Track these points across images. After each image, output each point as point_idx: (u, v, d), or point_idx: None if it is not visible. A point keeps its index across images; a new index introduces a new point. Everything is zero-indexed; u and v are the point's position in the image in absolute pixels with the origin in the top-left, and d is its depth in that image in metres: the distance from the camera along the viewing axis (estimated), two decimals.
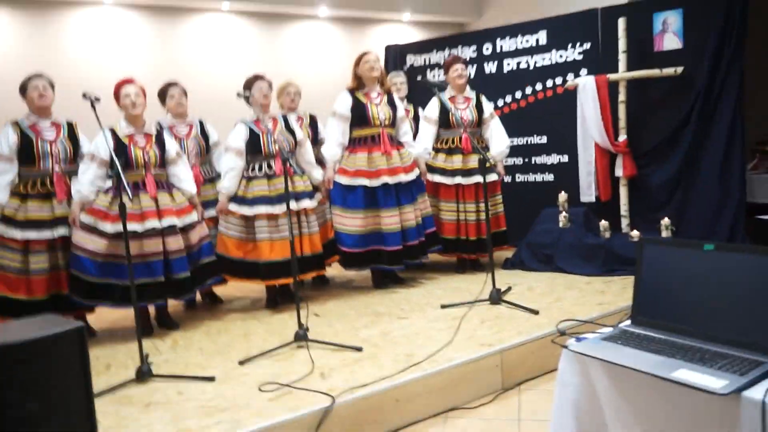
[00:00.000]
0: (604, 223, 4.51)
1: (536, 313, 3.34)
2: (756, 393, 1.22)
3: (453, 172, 4.42)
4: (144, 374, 2.73)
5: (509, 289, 3.92)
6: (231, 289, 4.41)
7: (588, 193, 4.83)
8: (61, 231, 3.41)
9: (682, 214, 4.53)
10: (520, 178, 5.32)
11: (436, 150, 4.49)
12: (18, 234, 3.33)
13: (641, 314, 1.61)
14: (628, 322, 1.63)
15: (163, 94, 4.04)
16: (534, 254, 4.59)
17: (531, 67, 5.19)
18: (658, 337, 1.51)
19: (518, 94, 5.27)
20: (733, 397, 1.24)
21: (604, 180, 4.74)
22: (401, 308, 3.72)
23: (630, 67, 4.54)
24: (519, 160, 5.29)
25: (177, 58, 5.31)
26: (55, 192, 3.43)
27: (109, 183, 3.48)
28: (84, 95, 2.91)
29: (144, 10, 5.17)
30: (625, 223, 4.69)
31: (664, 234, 4.30)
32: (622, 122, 4.62)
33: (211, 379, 2.69)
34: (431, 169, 4.46)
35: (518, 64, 5.26)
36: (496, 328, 3.16)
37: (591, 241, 4.41)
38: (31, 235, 3.35)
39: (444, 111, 4.38)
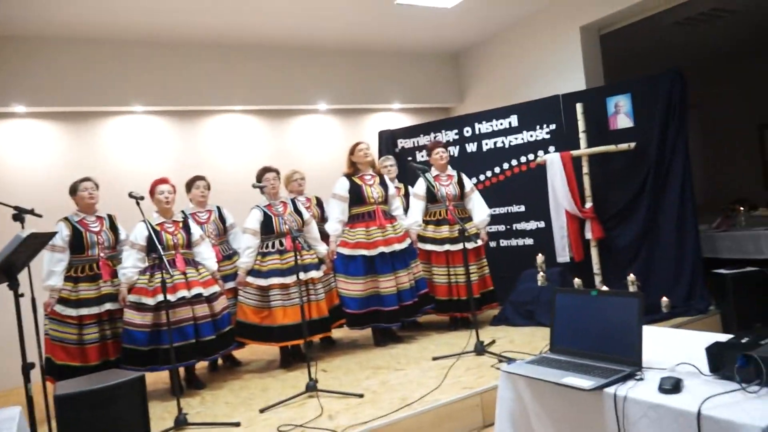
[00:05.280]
0: (577, 281, 5.09)
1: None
2: (612, 390, 1.79)
3: (442, 241, 5.06)
4: (180, 422, 3.27)
5: (493, 341, 4.46)
6: (247, 353, 4.97)
7: (563, 255, 5.42)
8: (107, 306, 4.04)
9: (647, 271, 5.13)
10: (503, 242, 5.95)
11: (426, 222, 5.14)
12: (73, 312, 3.95)
13: (556, 344, 2.18)
14: (548, 350, 2.20)
15: (189, 185, 4.75)
16: (517, 311, 5.14)
17: (506, 146, 5.93)
18: (563, 359, 2.08)
19: (497, 170, 5.99)
20: (598, 392, 1.80)
21: (576, 242, 5.34)
22: (398, 361, 4.27)
23: (590, 144, 5.25)
24: (502, 227, 5.94)
25: (197, 153, 6.10)
26: (101, 274, 4.09)
27: (145, 264, 4.13)
28: (130, 194, 3.60)
29: (167, 114, 6.01)
30: (597, 280, 5.27)
31: (631, 289, 4.85)
32: (587, 191, 5.28)
33: (237, 424, 3.23)
34: (422, 239, 5.10)
35: (495, 143, 6.01)
36: (478, 374, 3.69)
37: None
38: (84, 311, 3.97)
39: (430, 188, 5.07)
